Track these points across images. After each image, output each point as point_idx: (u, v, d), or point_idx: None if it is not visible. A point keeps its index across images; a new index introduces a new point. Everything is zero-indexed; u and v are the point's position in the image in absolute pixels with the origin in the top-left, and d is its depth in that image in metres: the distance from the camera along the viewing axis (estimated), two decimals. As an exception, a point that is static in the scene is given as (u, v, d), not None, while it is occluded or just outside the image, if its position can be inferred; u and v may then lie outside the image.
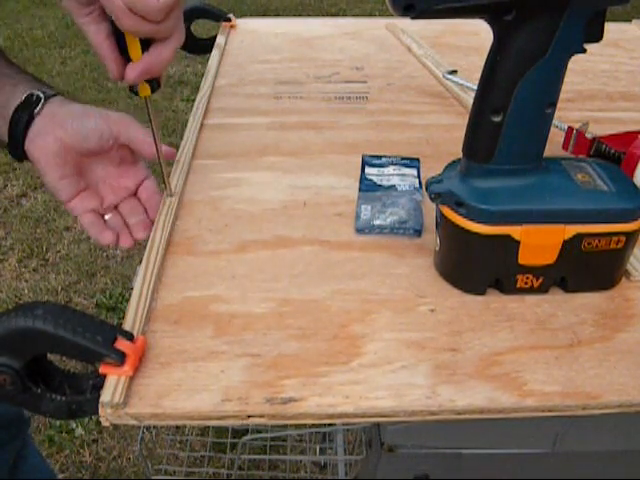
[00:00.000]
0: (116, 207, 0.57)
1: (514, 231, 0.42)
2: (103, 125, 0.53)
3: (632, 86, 0.78)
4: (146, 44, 0.47)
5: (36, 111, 0.53)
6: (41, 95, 0.54)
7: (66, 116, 0.53)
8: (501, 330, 0.43)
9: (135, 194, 0.58)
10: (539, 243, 0.43)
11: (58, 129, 0.53)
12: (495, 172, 0.43)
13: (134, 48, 0.46)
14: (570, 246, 0.43)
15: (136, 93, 0.49)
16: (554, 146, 0.61)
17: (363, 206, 0.54)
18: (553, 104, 0.42)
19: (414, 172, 0.59)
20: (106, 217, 0.56)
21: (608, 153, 0.56)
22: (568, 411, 0.38)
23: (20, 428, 0.77)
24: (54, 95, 0.55)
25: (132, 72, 0.47)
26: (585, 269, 0.45)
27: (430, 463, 0.59)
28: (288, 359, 0.40)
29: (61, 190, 0.55)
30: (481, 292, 0.46)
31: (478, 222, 0.42)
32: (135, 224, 0.56)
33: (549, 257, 0.43)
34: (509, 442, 0.57)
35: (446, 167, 0.47)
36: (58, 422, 1.32)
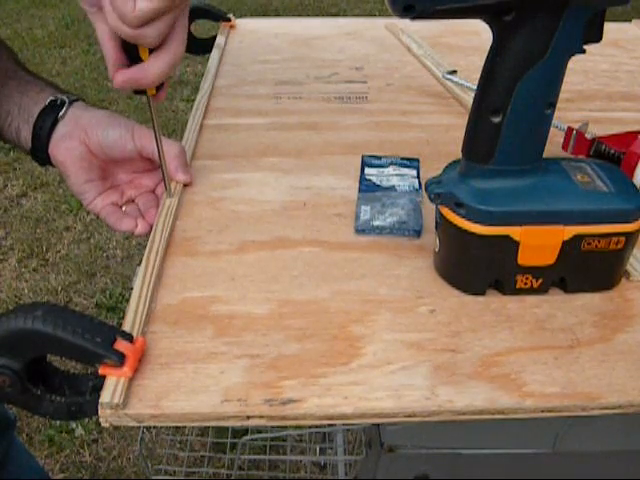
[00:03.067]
0: (133, 200, 0.58)
1: (514, 232, 0.42)
2: (128, 137, 0.54)
3: (632, 86, 0.78)
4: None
5: (60, 114, 0.54)
6: (65, 99, 0.54)
7: (90, 121, 0.54)
8: (501, 331, 0.43)
9: (153, 191, 0.58)
10: (539, 244, 0.43)
11: (82, 133, 0.53)
12: (495, 173, 0.43)
13: (143, 53, 0.46)
14: (570, 247, 0.43)
15: (142, 92, 0.49)
16: (554, 146, 0.61)
17: (363, 207, 0.54)
18: (553, 104, 0.42)
19: (414, 172, 0.59)
20: (123, 208, 0.57)
21: (608, 153, 0.56)
22: (568, 412, 0.38)
23: (5, 430, 0.77)
24: (77, 100, 0.56)
25: (119, 77, 0.47)
26: (585, 270, 0.45)
27: (430, 463, 0.59)
28: (288, 360, 0.40)
29: (86, 193, 0.55)
30: (481, 293, 0.46)
31: (477, 223, 0.42)
32: (149, 213, 0.56)
33: (549, 258, 0.43)
34: (509, 442, 0.57)
35: (446, 168, 0.47)
36: (58, 422, 1.32)
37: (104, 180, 0.56)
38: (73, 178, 0.54)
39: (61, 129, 0.54)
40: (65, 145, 0.53)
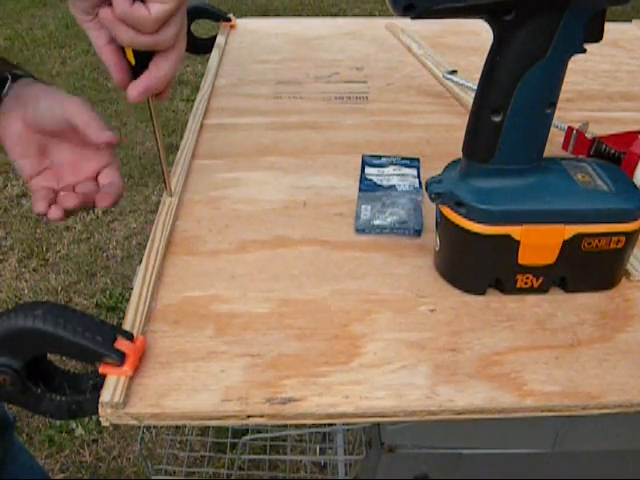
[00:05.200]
0: (74, 188, 0.56)
1: (514, 231, 0.42)
2: (56, 107, 0.53)
3: (632, 86, 0.78)
4: (147, 55, 0.46)
5: (3, 93, 0.53)
6: (8, 76, 0.54)
7: (28, 97, 0.53)
8: (501, 330, 0.43)
9: (95, 179, 0.57)
10: (539, 243, 0.43)
11: (21, 109, 0.53)
12: (495, 172, 0.43)
13: (130, 56, 0.46)
14: (570, 246, 0.43)
15: None
16: (554, 146, 0.61)
17: (363, 206, 0.54)
18: (553, 104, 0.42)
19: (414, 172, 0.59)
20: (61, 194, 0.55)
21: (608, 153, 0.56)
22: (568, 411, 0.38)
23: (5, 430, 0.77)
24: (22, 76, 0.55)
25: (134, 91, 0.47)
26: (585, 269, 0.45)
27: (430, 463, 0.59)
28: (288, 359, 0.40)
29: (23, 168, 0.55)
30: (481, 292, 0.46)
31: (478, 222, 0.42)
32: (76, 197, 0.54)
33: (549, 257, 0.43)
34: (509, 442, 0.57)
35: (446, 167, 0.47)
36: (58, 422, 1.32)
37: (42, 156, 0.55)
38: (11, 153, 0.54)
39: (3, 107, 0.53)
40: (4, 122, 0.53)
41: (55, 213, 0.53)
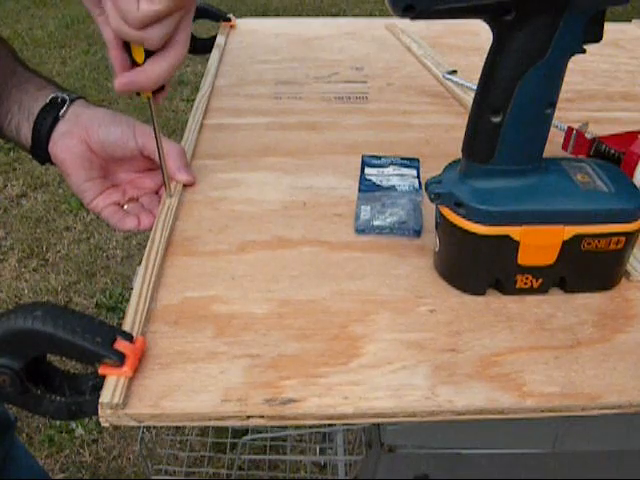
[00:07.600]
0: (137, 199, 0.58)
1: (513, 232, 0.42)
2: (129, 135, 0.54)
3: (632, 86, 0.78)
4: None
5: (61, 113, 0.54)
6: (66, 97, 0.54)
7: (91, 119, 0.54)
8: (501, 331, 0.43)
9: (157, 193, 0.58)
10: (539, 244, 0.43)
11: (83, 132, 0.53)
12: (495, 172, 0.43)
13: (138, 54, 0.46)
14: (570, 246, 0.43)
15: (138, 94, 0.49)
16: (554, 146, 0.61)
17: (363, 206, 0.54)
18: (553, 104, 0.42)
19: (414, 172, 0.59)
20: (125, 207, 0.57)
21: (608, 153, 0.56)
22: (567, 412, 0.38)
23: (6, 430, 0.77)
24: (78, 98, 0.56)
25: (117, 81, 0.47)
26: (585, 269, 0.45)
27: (430, 463, 0.59)
28: (288, 360, 0.40)
29: (86, 191, 0.55)
30: (481, 292, 0.46)
31: (477, 223, 0.42)
32: (154, 211, 0.56)
33: (549, 258, 0.43)
34: (509, 442, 0.57)
35: (446, 167, 0.47)
36: (58, 422, 1.32)
37: (104, 179, 0.56)
38: (73, 177, 0.54)
39: (61, 127, 0.54)
40: (65, 143, 0.53)
41: (147, 221, 0.54)
